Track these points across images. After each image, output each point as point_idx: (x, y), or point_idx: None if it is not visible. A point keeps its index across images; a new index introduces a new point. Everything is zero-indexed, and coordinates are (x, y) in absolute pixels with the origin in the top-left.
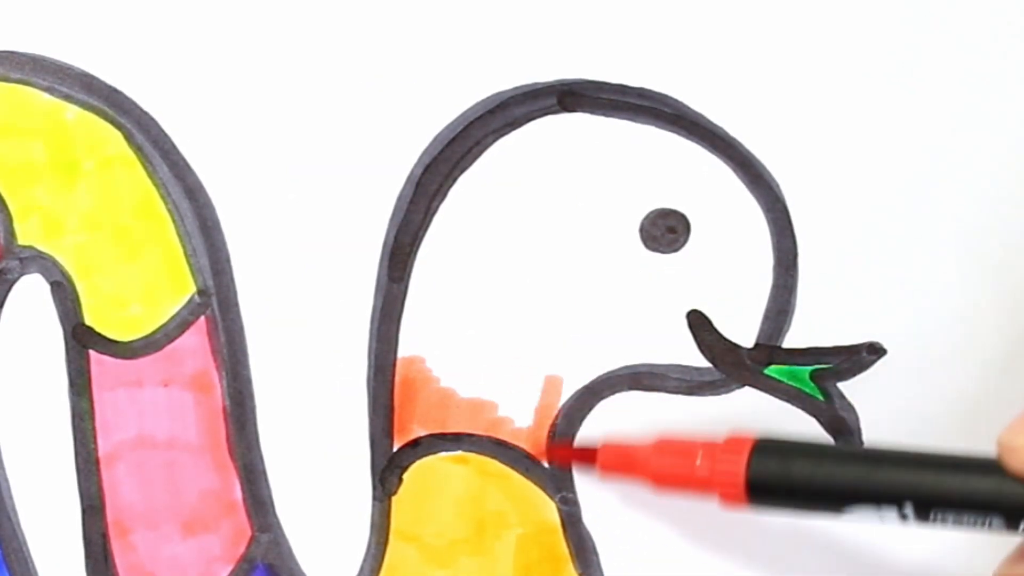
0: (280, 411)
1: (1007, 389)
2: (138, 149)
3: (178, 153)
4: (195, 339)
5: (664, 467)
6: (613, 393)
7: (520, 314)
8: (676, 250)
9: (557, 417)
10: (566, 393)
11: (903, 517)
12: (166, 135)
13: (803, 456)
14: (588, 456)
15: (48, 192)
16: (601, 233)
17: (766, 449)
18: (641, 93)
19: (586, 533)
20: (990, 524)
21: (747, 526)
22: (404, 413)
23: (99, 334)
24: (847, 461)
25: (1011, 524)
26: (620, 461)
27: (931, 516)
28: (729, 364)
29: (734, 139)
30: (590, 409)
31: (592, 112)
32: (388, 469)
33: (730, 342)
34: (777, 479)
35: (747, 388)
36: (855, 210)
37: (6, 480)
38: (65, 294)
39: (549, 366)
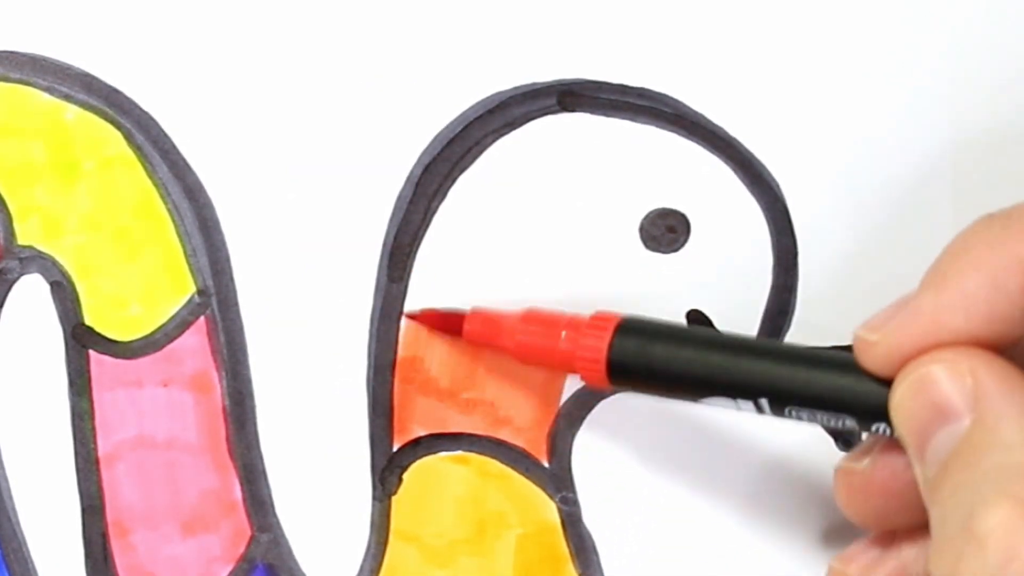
0: (280, 411)
1: None
2: (138, 149)
3: (178, 153)
4: (195, 339)
5: (528, 339)
6: (613, 393)
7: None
8: (676, 250)
9: (557, 417)
10: (566, 393)
11: (759, 410)
12: (166, 135)
13: (665, 341)
14: (454, 322)
15: (48, 192)
16: (601, 233)
17: (630, 329)
18: (641, 93)
19: (586, 533)
20: (843, 423)
21: (748, 527)
22: (404, 413)
23: (99, 334)
24: (709, 350)
25: (863, 424)
26: (486, 329)
27: (786, 412)
28: None
29: (734, 139)
30: (590, 409)
31: (592, 112)
32: (388, 469)
33: None
34: (637, 361)
35: None
36: (855, 210)
37: (6, 480)
38: (65, 294)
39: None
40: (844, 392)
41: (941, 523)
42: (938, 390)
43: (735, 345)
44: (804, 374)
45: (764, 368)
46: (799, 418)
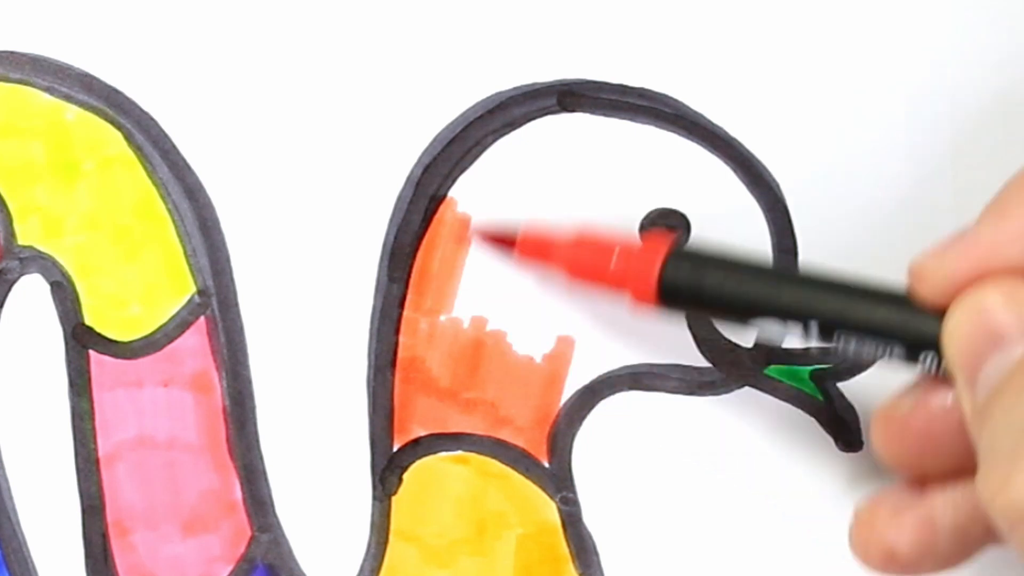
0: (280, 411)
1: None
2: (138, 149)
3: (178, 153)
4: (195, 339)
5: (580, 260)
6: (613, 393)
7: (520, 314)
8: None
9: (557, 417)
10: (566, 393)
11: (807, 333)
12: (166, 135)
13: (716, 265)
14: (508, 241)
15: (48, 192)
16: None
17: (681, 255)
18: (641, 93)
19: (586, 533)
20: (891, 352)
21: (749, 528)
22: (404, 413)
23: (99, 334)
24: (760, 276)
25: (911, 355)
26: (538, 249)
27: (835, 337)
28: (729, 364)
29: (734, 139)
30: (590, 409)
31: (592, 112)
32: (388, 469)
33: (730, 342)
34: (688, 285)
35: (747, 388)
36: (855, 210)
37: (6, 480)
38: (65, 294)
39: (549, 365)
40: (896, 318)
41: (990, 448)
42: (993, 316)
43: (788, 271)
44: (857, 300)
45: (816, 292)
46: (846, 348)
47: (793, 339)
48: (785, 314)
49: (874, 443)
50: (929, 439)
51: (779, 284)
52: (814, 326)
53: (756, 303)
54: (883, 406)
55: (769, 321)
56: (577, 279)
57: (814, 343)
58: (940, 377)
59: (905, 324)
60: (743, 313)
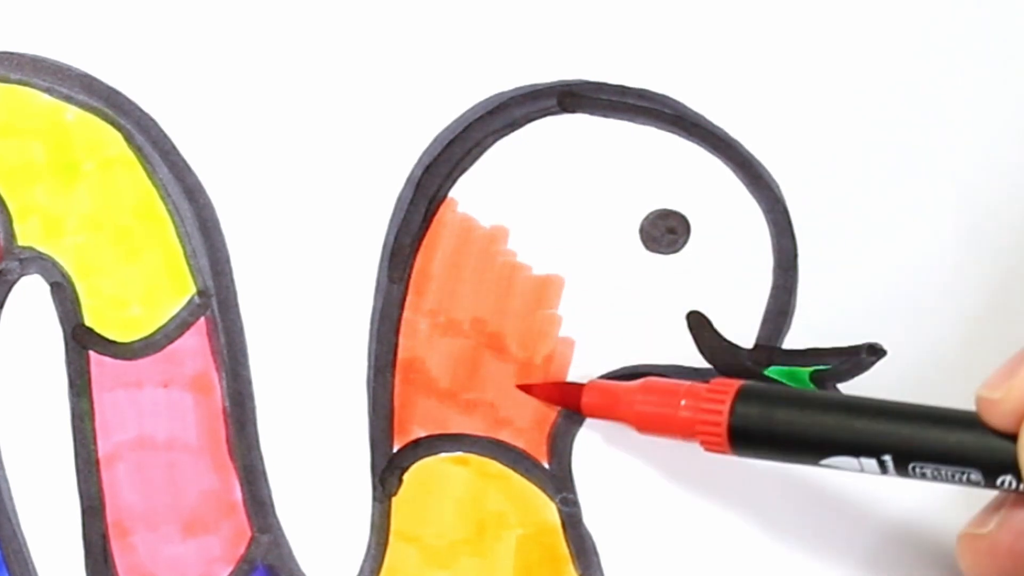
0: (280, 411)
1: None
2: (138, 150)
3: (178, 154)
4: (195, 340)
5: (648, 408)
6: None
7: (520, 314)
8: (676, 251)
9: (557, 418)
10: None
11: (883, 468)
12: (166, 136)
13: (786, 404)
14: (573, 395)
15: (48, 193)
16: (601, 233)
17: (750, 395)
18: (641, 94)
19: (586, 534)
20: (968, 478)
21: (749, 528)
22: (404, 414)
23: (99, 335)
24: (830, 410)
25: (989, 479)
26: (604, 401)
27: (911, 469)
28: (729, 365)
29: (734, 140)
30: None
31: (592, 113)
32: (388, 470)
33: (730, 343)
34: (759, 426)
35: None
36: (855, 211)
37: (6, 480)
38: (65, 295)
39: (549, 366)
40: (969, 446)
41: None
42: None
43: (857, 405)
44: (928, 430)
45: (887, 426)
46: (923, 475)
47: (870, 472)
48: (859, 450)
49: (962, 564)
50: (1018, 556)
51: (850, 418)
52: (889, 460)
53: (829, 440)
54: (968, 527)
55: (844, 458)
56: (645, 430)
57: (892, 475)
58: (1021, 497)
59: (979, 450)
60: (817, 451)
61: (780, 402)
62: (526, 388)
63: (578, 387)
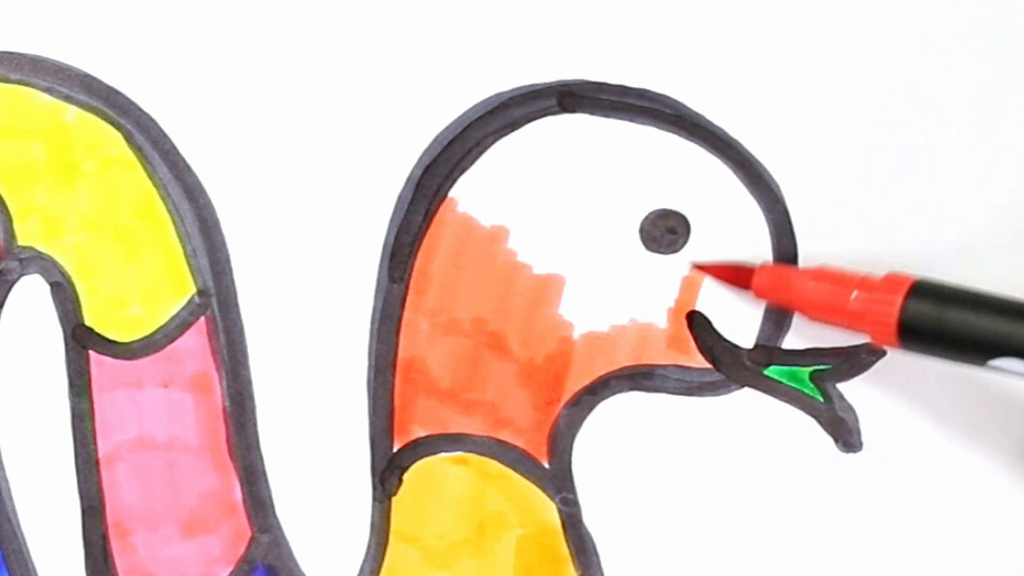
0: (280, 411)
1: (1007, 388)
2: (138, 150)
3: (178, 153)
4: (195, 340)
5: (819, 296)
6: (613, 393)
7: (520, 314)
8: (676, 250)
9: (557, 418)
10: (566, 393)
11: None
12: (166, 135)
13: (959, 302)
14: (745, 276)
15: (48, 193)
16: (601, 233)
17: (923, 291)
18: (641, 94)
19: (587, 534)
20: None
21: (748, 527)
22: (404, 414)
23: (99, 335)
24: (1003, 312)
25: None
26: (776, 284)
27: None
28: (729, 365)
29: (734, 140)
30: (590, 409)
31: (592, 113)
32: (388, 470)
33: (730, 343)
34: (930, 322)
35: (747, 389)
36: (855, 211)
37: (6, 481)
38: (65, 295)
39: (549, 367)
40: None
41: None
42: None
43: None
44: None
45: None
46: None
47: None
48: None
49: None
50: None
51: (1021, 320)
52: None
53: (997, 341)
54: None
55: (1010, 359)
56: (815, 317)
57: None
58: None
59: None
60: (984, 352)
61: (953, 300)
62: (702, 267)
63: (751, 268)
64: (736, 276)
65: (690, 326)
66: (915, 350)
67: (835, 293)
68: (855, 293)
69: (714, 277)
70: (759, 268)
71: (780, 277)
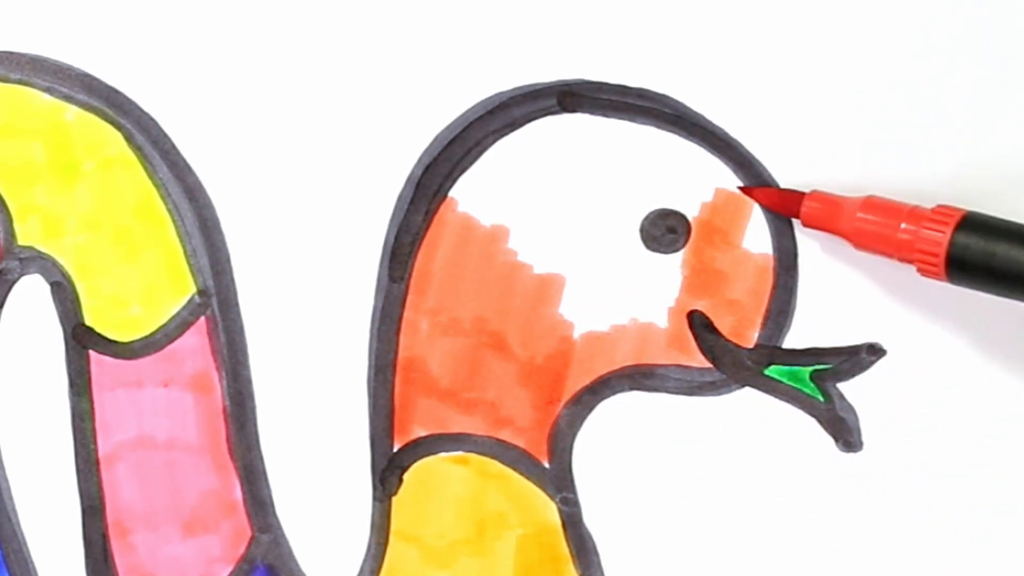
0: (280, 411)
1: (1007, 389)
2: (138, 149)
3: (178, 153)
4: (195, 339)
5: (867, 225)
6: (613, 393)
7: (520, 314)
8: (676, 250)
9: (557, 417)
10: (567, 393)
11: None
12: (166, 135)
13: (1008, 236)
14: (794, 202)
15: (48, 192)
16: (601, 233)
17: (972, 224)
18: (641, 93)
19: (587, 534)
20: None
21: (748, 527)
22: (404, 413)
23: (99, 334)
24: None
25: None
26: (825, 212)
27: None
28: (729, 364)
29: (734, 139)
30: (591, 409)
31: (592, 112)
32: (388, 469)
33: (730, 342)
34: (978, 256)
35: (747, 388)
36: None
37: (6, 480)
38: (65, 294)
39: (549, 366)
40: None
41: None
42: None
43: None
44: None
45: None
46: None
47: None
48: None
49: None
50: None
51: None
52: None
53: None
54: None
55: None
56: (862, 246)
57: None
58: None
59: None
60: None
61: (1002, 234)
62: (747, 191)
63: (799, 195)
64: (784, 203)
65: (690, 326)
66: (962, 283)
67: (884, 223)
68: (904, 224)
69: (761, 203)
70: (808, 195)
71: (829, 205)
